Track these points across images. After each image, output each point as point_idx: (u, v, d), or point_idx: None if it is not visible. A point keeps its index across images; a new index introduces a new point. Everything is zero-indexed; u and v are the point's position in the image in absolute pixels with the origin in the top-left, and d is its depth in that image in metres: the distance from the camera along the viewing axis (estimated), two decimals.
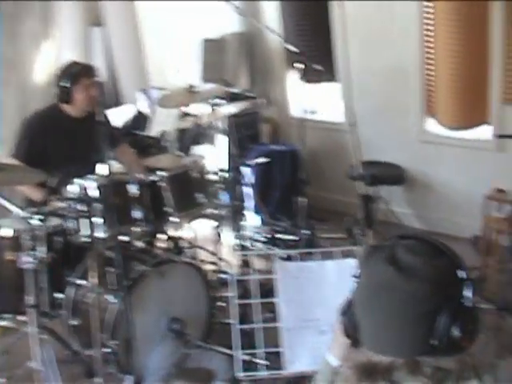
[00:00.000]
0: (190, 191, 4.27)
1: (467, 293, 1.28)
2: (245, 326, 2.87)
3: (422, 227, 6.10)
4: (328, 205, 6.31)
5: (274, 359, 2.82)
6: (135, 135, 6.01)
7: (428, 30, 5.58)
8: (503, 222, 4.50)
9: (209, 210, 4.50)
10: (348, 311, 1.42)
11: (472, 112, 5.66)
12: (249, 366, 2.90)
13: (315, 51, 6.22)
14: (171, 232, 4.54)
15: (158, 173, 4.17)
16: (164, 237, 4.54)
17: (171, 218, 4.14)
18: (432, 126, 5.92)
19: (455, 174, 5.86)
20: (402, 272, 1.26)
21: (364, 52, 5.99)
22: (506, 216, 4.53)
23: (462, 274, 1.30)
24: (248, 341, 2.91)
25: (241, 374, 2.85)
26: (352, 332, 1.40)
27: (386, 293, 1.28)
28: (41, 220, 3.65)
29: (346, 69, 6.03)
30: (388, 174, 5.87)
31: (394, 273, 1.26)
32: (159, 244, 4.56)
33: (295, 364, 2.68)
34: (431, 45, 5.61)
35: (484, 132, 5.66)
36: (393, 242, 1.35)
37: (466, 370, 1.28)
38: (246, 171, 5.50)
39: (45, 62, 6.29)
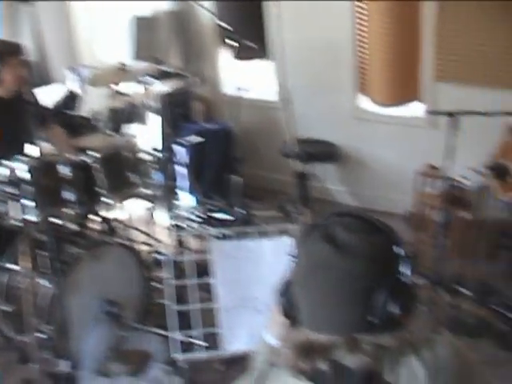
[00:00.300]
0: (122, 171, 4.20)
1: (404, 269, 1.28)
2: (180, 308, 2.84)
3: (356, 204, 6.16)
4: (263, 183, 6.30)
5: (212, 340, 2.80)
6: (66, 115, 5.88)
7: (360, 7, 5.60)
8: (436, 198, 4.57)
9: (142, 190, 4.44)
10: (286, 291, 1.41)
11: (404, 89, 5.72)
12: (186, 347, 2.87)
13: (247, 28, 6.17)
14: (104, 213, 4.46)
15: (90, 153, 4.09)
16: (97, 218, 4.46)
17: (104, 199, 4.07)
18: (365, 103, 5.96)
19: (388, 151, 5.92)
20: (338, 250, 1.25)
21: (297, 29, 5.96)
22: (439, 192, 4.60)
23: (398, 250, 1.30)
24: (185, 322, 2.88)
25: (178, 356, 2.82)
26: (290, 311, 1.39)
27: (324, 271, 1.27)
28: None
29: (280, 46, 6.01)
30: (322, 152, 5.89)
31: (331, 251, 1.25)
32: (92, 226, 4.48)
33: (233, 344, 2.66)
34: (364, 22, 5.64)
35: (416, 109, 5.73)
36: (329, 220, 1.34)
37: (405, 347, 1.29)
38: (180, 150, 5.44)
39: None
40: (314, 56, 5.96)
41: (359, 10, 5.61)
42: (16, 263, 3.73)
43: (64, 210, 3.83)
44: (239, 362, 2.74)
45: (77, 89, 5.55)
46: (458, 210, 4.76)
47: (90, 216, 4.41)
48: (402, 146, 5.84)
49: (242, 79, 6.09)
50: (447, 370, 1.25)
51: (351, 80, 5.88)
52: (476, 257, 3.97)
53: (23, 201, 3.60)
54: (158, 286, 4.13)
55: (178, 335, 2.81)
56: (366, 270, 1.25)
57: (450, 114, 3.84)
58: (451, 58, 5.33)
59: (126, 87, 5.45)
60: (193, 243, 4.42)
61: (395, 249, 1.30)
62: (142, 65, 6.00)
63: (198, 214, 5.21)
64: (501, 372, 3.49)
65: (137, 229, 4.95)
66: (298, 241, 1.35)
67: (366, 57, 5.76)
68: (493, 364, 3.55)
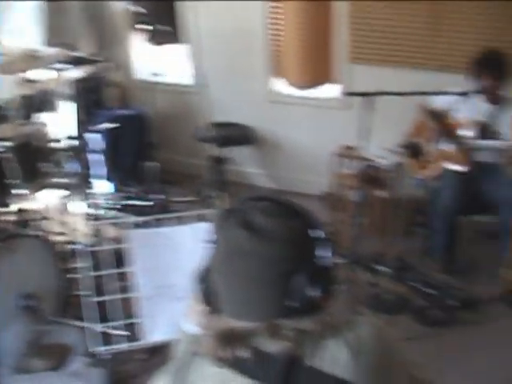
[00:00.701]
0: (35, 161, 4.09)
1: (322, 252, 1.28)
2: (99, 298, 2.78)
3: (273, 186, 6.18)
4: (180, 168, 6.25)
5: (133, 330, 2.76)
6: None
7: None
8: (352, 178, 4.63)
9: (56, 180, 4.34)
10: (204, 278, 1.39)
11: (318, 71, 5.77)
12: (107, 338, 2.82)
13: (161, 13, 6.08)
14: (18, 204, 4.34)
15: (1, 143, 3.96)
16: (10, 210, 4.33)
17: (17, 190, 3.95)
18: (280, 85, 5.98)
19: (304, 133, 5.96)
20: (255, 235, 1.24)
21: (211, 14, 5.91)
22: (355, 172, 4.66)
23: (316, 233, 1.29)
24: (105, 313, 2.83)
25: (98, 348, 2.77)
26: (210, 299, 1.37)
27: (241, 257, 1.25)
28: None
29: (195, 30, 5.96)
30: (238, 135, 5.88)
31: (248, 236, 1.24)
32: (5, 217, 4.35)
33: (154, 333, 2.63)
34: (278, 5, 5.64)
35: (331, 90, 5.78)
36: (246, 205, 1.32)
37: (326, 329, 1.29)
38: (95, 138, 5.33)
39: None
40: (228, 40, 5.93)
41: None
42: None
43: None
44: (162, 351, 2.71)
45: None
46: (374, 189, 4.85)
47: (3, 207, 4.28)
48: (317, 127, 5.89)
49: (157, 64, 6.01)
50: (369, 350, 1.26)
51: (266, 63, 5.88)
52: (393, 234, 4.04)
53: None
54: (78, 276, 4.06)
55: (96, 327, 2.75)
56: (283, 254, 1.24)
57: (364, 95, 3.88)
58: (365, 39, 5.40)
59: (37, 74, 5.30)
60: (111, 231, 4.35)
61: (313, 232, 1.29)
62: (54, 50, 5.84)
63: (115, 201, 5.13)
64: (420, 347, 3.57)
65: (52, 219, 4.83)
66: (215, 226, 1.33)
67: (280, 39, 5.78)
68: (412, 339, 3.63)
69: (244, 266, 1.26)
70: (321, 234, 1.30)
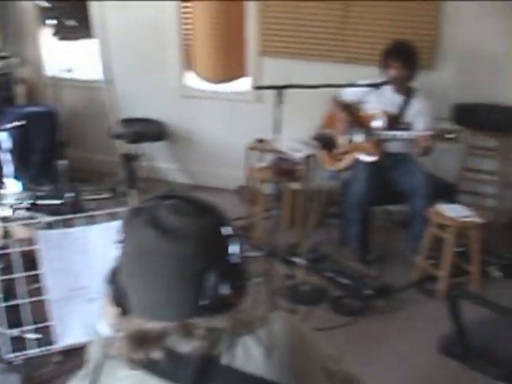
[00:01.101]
0: None
1: (234, 249, 1.27)
2: (8, 303, 2.70)
3: (188, 182, 6.15)
4: (91, 165, 6.13)
5: (47, 334, 2.69)
6: None
7: None
8: (265, 171, 4.64)
9: None
10: (114, 279, 1.36)
11: (231, 65, 5.77)
12: (20, 343, 2.74)
13: (69, 7, 5.94)
14: None
15: None
16: None
17: None
18: (192, 80, 5.95)
19: (217, 127, 5.95)
20: (164, 234, 1.21)
21: (121, 8, 5.81)
22: (268, 165, 4.67)
23: (227, 230, 1.28)
24: (18, 317, 2.74)
25: (9, 355, 2.69)
26: (120, 300, 1.34)
27: (150, 258, 1.23)
28: None
29: (102, 26, 5.85)
30: (149, 131, 5.81)
31: (156, 236, 1.21)
32: None
33: (68, 336, 2.57)
34: (189, 1, 5.63)
35: (242, 84, 5.79)
36: (154, 203, 1.30)
37: (240, 327, 1.27)
38: (2, 136, 5.18)
39: None
40: (139, 35, 5.84)
41: None
42: None
43: None
44: (78, 354, 2.66)
45: None
46: (288, 181, 4.87)
47: None
48: (230, 121, 5.89)
49: (65, 60, 5.88)
50: (282, 345, 1.26)
51: (177, 58, 5.83)
52: (308, 226, 4.07)
53: None
54: None
55: (8, 332, 2.67)
56: (193, 253, 1.22)
57: (274, 88, 3.89)
58: (274, 33, 5.43)
59: None
60: (21, 233, 4.23)
61: (224, 229, 1.28)
62: None
63: (23, 200, 4.99)
64: (337, 336, 3.61)
65: None
66: (122, 226, 1.30)
67: (192, 34, 5.75)
68: (329, 329, 3.67)
69: (152, 266, 1.23)
70: (231, 230, 1.29)
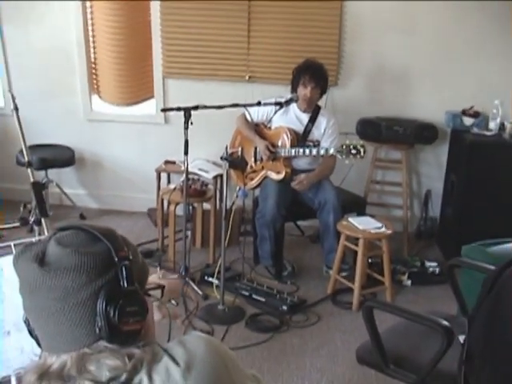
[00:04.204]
0: None
1: (127, 274, 1.25)
2: None
3: (99, 206, 6.06)
4: (2, 195, 5.96)
5: None
6: None
7: (89, 10, 5.57)
8: (175, 193, 4.62)
9: None
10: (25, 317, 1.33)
11: (137, 87, 5.75)
12: None
13: None
14: None
15: None
16: None
17: None
18: (99, 105, 5.89)
19: (126, 151, 5.90)
20: (44, 267, 1.19)
21: (20, 34, 5.69)
22: (177, 186, 4.66)
23: (119, 255, 1.26)
24: None
25: None
26: (33, 337, 1.32)
27: (38, 292, 1.21)
28: None
29: (2, 50, 5.72)
30: (57, 157, 5.70)
31: (39, 270, 1.19)
32: None
33: None
34: (93, 24, 5.59)
35: (150, 106, 5.78)
36: (49, 237, 1.28)
37: (150, 354, 1.26)
38: None
39: None
40: (42, 60, 5.73)
41: (87, 14, 5.55)
42: None
43: None
44: None
45: None
46: (199, 202, 4.87)
47: None
48: (139, 144, 5.86)
49: None
50: (200, 363, 1.24)
51: (84, 82, 5.76)
52: (220, 245, 4.07)
53: None
54: None
55: None
56: (74, 283, 1.19)
57: (182, 110, 3.90)
58: (177, 54, 5.46)
59: None
60: None
61: (117, 255, 1.25)
62: None
63: None
64: (255, 353, 3.62)
65: None
66: (13, 264, 1.28)
67: (96, 58, 5.71)
68: (247, 347, 3.68)
69: (39, 301, 1.21)
70: (127, 256, 1.27)
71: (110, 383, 1.18)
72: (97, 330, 1.21)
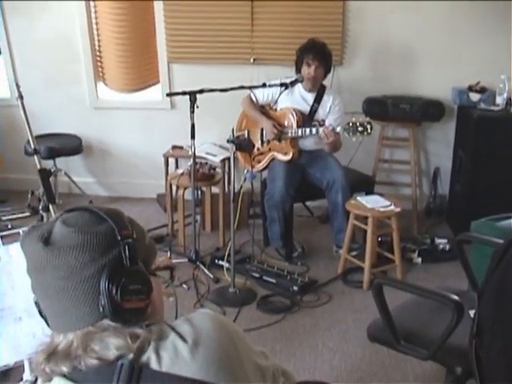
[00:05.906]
0: None
1: (129, 253, 1.25)
2: None
3: (108, 194, 6.08)
4: (8, 185, 5.99)
5: None
6: None
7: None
8: (184, 177, 4.63)
9: None
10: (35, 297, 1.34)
11: (143, 73, 5.75)
12: None
13: None
14: None
15: None
16: None
17: None
18: (105, 92, 5.89)
19: (133, 137, 5.91)
20: (48, 247, 1.21)
21: (25, 23, 5.69)
22: (185, 171, 4.66)
23: (122, 234, 1.26)
24: None
25: None
26: (42, 317, 1.33)
27: (43, 271, 1.22)
28: None
29: (7, 41, 5.73)
30: (65, 145, 5.70)
31: (43, 249, 1.21)
32: None
33: None
34: (97, 11, 5.59)
35: (155, 92, 5.78)
36: (56, 218, 1.29)
37: (157, 332, 1.26)
38: None
39: None
40: (47, 49, 5.74)
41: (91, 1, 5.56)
42: None
43: None
44: (13, 374, 2.60)
45: None
46: (207, 186, 4.87)
47: None
48: (145, 130, 5.86)
49: None
50: (207, 341, 1.25)
51: (90, 70, 5.77)
52: (230, 228, 4.08)
53: None
54: None
55: None
56: (77, 261, 1.20)
57: (188, 94, 3.90)
58: (181, 39, 5.44)
59: None
60: None
61: (119, 234, 1.26)
62: None
63: None
64: (266, 333, 3.63)
65: None
66: (20, 245, 1.29)
67: (101, 46, 5.71)
68: (259, 328, 3.69)
69: (45, 280, 1.22)
70: (130, 235, 1.28)
71: (118, 361, 1.19)
72: (100, 308, 1.22)
